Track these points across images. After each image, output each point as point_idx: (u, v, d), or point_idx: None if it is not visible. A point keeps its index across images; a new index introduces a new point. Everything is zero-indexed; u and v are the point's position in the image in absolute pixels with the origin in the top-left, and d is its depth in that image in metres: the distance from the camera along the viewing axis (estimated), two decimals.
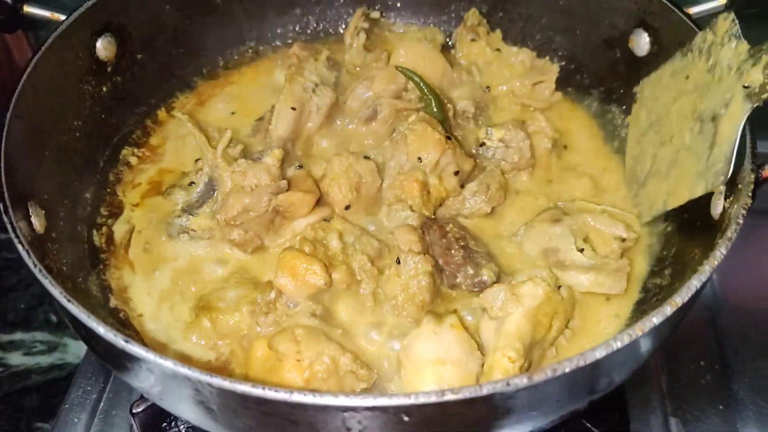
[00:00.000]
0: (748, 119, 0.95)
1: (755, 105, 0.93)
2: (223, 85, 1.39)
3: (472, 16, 1.38)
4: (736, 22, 1.01)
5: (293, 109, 1.18)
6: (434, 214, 1.13)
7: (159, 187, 1.20)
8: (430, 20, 1.47)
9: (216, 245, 1.10)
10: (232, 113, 1.32)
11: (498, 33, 1.38)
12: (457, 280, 1.04)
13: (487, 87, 1.33)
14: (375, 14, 1.43)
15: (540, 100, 1.32)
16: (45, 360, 1.38)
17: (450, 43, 1.42)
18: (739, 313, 1.32)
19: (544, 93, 1.32)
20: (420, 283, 0.99)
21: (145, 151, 1.27)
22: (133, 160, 1.25)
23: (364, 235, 1.07)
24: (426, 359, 0.92)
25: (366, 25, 1.37)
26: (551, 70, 1.32)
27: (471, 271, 1.03)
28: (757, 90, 0.93)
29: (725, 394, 1.22)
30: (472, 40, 1.35)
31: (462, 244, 1.06)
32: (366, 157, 1.13)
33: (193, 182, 1.14)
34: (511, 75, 1.33)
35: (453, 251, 1.05)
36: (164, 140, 1.29)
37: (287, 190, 1.06)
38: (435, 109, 1.21)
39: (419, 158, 1.11)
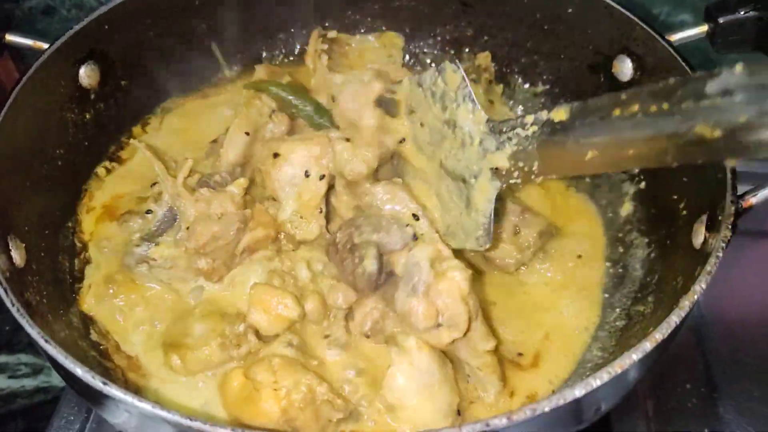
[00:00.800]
0: None
1: (504, 185, 0.94)
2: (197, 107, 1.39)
3: (484, 59, 1.38)
4: (467, 81, 0.99)
5: (247, 134, 1.16)
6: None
7: (113, 213, 1.19)
8: (414, 42, 1.47)
9: (178, 275, 1.08)
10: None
11: (499, 87, 1.38)
12: (360, 286, 1.02)
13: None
14: (332, 33, 1.41)
15: None
16: (30, 383, 1.37)
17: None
18: (726, 335, 1.32)
19: None
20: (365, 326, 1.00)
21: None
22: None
23: None
24: (415, 391, 0.92)
25: (325, 46, 1.35)
26: None
27: (359, 270, 1.00)
28: (504, 173, 0.92)
29: (711, 417, 1.22)
30: (472, 80, 1.33)
31: (348, 246, 1.03)
32: None
33: (151, 210, 1.12)
34: None
35: (344, 262, 1.03)
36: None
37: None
38: (317, 117, 1.20)
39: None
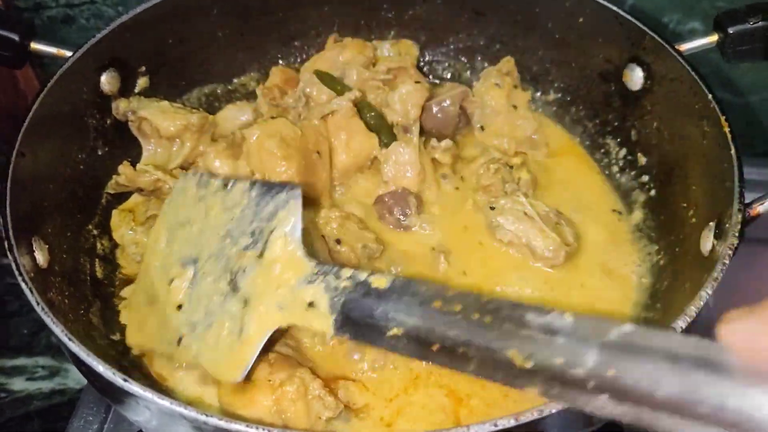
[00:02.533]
0: (737, 153, 0.97)
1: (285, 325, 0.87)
2: None
3: (507, 63, 1.40)
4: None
5: None
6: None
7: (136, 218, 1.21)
8: (428, 51, 1.49)
9: None
10: None
11: (527, 93, 1.39)
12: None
13: (482, 126, 1.35)
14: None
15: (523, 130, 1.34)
16: (47, 385, 1.39)
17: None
18: None
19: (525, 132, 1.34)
20: None
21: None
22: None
23: None
24: None
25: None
26: (541, 148, 1.34)
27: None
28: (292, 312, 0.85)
29: None
30: (496, 84, 1.35)
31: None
32: None
33: None
34: (510, 135, 1.33)
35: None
36: None
37: None
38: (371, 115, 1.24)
39: None
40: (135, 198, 1.23)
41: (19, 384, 1.39)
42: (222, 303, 0.90)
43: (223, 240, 0.95)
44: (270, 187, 0.94)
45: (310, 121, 1.21)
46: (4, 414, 1.35)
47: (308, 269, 0.86)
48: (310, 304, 0.83)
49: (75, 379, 1.40)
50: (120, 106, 1.22)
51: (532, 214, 1.15)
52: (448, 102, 1.30)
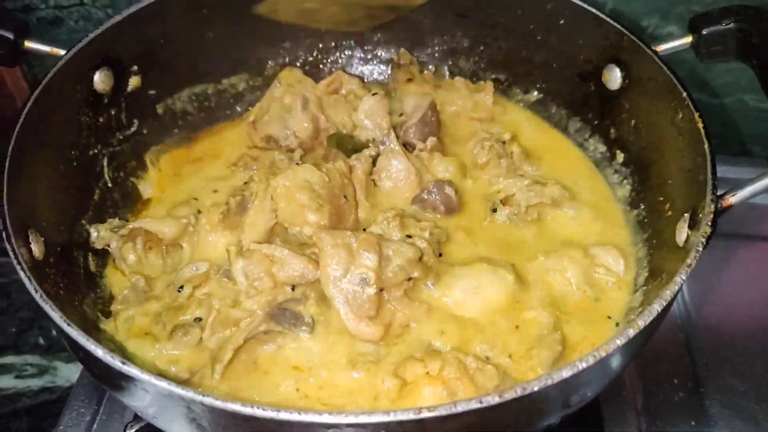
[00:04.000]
0: (710, 147, 1.02)
1: None
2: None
3: (403, 56, 1.46)
4: None
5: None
6: None
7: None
8: (412, 53, 1.52)
9: None
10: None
11: (430, 71, 1.47)
12: None
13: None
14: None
15: (484, 110, 1.41)
16: (35, 383, 1.40)
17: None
18: (712, 333, 1.37)
19: (487, 104, 1.41)
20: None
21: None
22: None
23: None
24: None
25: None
26: (487, 86, 1.42)
27: None
28: None
29: (698, 411, 1.27)
30: (408, 80, 1.42)
31: None
32: None
33: (200, 317, 1.07)
34: (457, 97, 1.42)
35: None
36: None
37: None
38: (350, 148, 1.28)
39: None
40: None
41: (7, 381, 1.40)
42: None
43: None
44: None
45: (335, 164, 1.20)
46: None
47: None
48: None
49: (64, 377, 1.41)
50: (100, 232, 1.17)
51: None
52: (418, 117, 1.33)
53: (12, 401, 1.38)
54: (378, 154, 1.27)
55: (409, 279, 1.07)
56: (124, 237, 1.15)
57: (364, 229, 1.17)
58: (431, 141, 1.30)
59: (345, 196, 1.19)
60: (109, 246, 1.15)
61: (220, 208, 1.15)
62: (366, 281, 1.02)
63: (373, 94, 1.29)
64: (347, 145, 1.30)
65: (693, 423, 1.25)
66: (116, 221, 1.18)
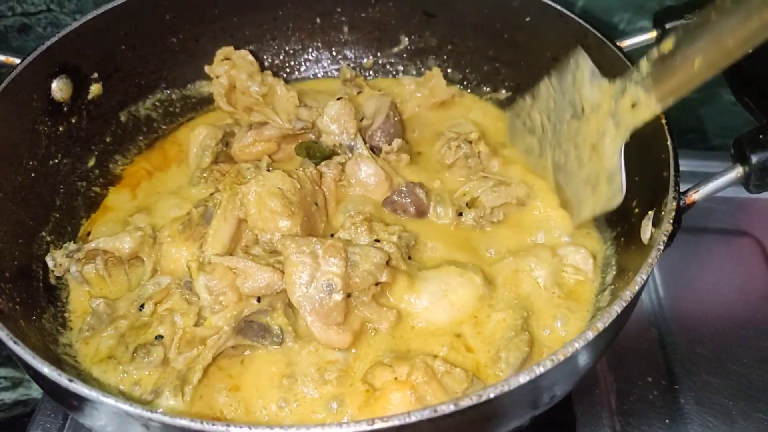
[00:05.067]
0: (673, 144, 1.01)
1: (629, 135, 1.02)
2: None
3: (345, 71, 1.46)
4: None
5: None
6: None
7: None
8: (381, 52, 1.52)
9: None
10: None
11: (376, 79, 1.48)
12: None
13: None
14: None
15: (441, 93, 1.42)
16: (9, 396, 1.38)
17: None
18: (685, 329, 1.36)
19: (441, 86, 1.42)
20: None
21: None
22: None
23: None
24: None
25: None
26: (434, 72, 1.42)
27: None
28: (625, 124, 1.02)
29: (672, 409, 1.26)
30: (359, 93, 1.41)
31: None
32: None
33: (161, 335, 1.04)
34: (408, 93, 1.42)
35: None
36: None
37: None
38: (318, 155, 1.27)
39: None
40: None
41: None
42: (578, 160, 1.14)
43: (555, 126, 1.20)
44: (560, 68, 1.17)
45: (306, 170, 1.19)
46: None
47: (618, 86, 1.04)
48: (633, 105, 1.00)
49: (38, 389, 1.39)
50: (57, 260, 1.13)
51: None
52: (382, 120, 1.32)
53: None
54: (346, 160, 1.25)
55: (377, 284, 1.06)
56: (82, 260, 1.13)
57: (332, 235, 1.15)
58: (397, 143, 1.28)
59: (316, 203, 1.17)
60: (69, 271, 1.13)
61: (181, 220, 1.13)
62: (332, 287, 1.01)
63: (338, 99, 1.27)
64: (315, 152, 1.28)
65: (667, 421, 1.25)
66: (71, 245, 1.14)
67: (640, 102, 0.99)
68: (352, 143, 1.26)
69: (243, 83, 1.34)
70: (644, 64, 0.97)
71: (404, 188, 1.22)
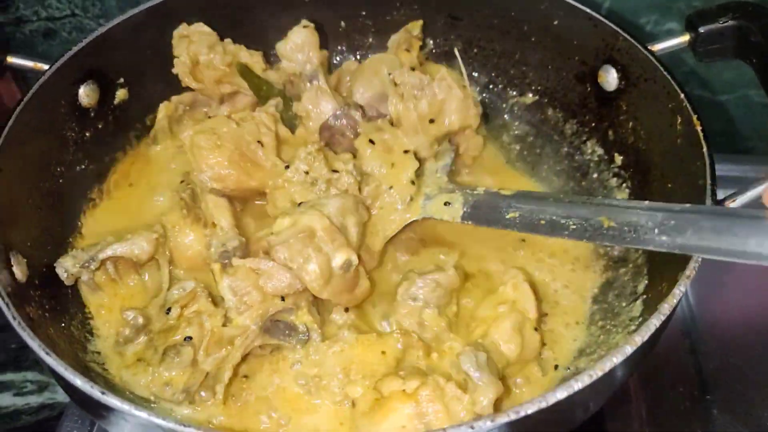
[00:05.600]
0: (709, 151, 0.99)
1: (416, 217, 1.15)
2: None
3: (416, 27, 1.41)
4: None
5: None
6: None
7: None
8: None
9: None
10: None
11: (421, 53, 1.43)
12: None
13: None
14: None
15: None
16: (35, 400, 1.39)
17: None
18: (718, 339, 1.34)
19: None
20: None
21: None
22: None
23: None
24: None
25: None
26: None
27: None
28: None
29: (704, 420, 1.24)
30: (406, 50, 1.37)
31: None
32: None
33: (190, 336, 1.03)
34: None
35: None
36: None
37: None
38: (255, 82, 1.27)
39: None
40: None
41: (7, 399, 1.39)
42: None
43: None
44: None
45: (254, 114, 1.19)
46: None
47: (450, 186, 1.17)
48: (446, 203, 1.12)
49: (63, 393, 1.39)
50: (69, 270, 1.09)
51: None
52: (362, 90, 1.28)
53: (12, 419, 1.37)
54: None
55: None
56: (94, 269, 1.11)
57: (287, 166, 1.15)
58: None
59: (260, 142, 1.16)
60: (81, 279, 1.11)
61: (180, 206, 1.14)
62: (351, 263, 1.02)
63: (305, 27, 1.23)
64: (261, 86, 1.26)
65: (699, 431, 1.22)
66: (80, 253, 1.11)
67: (453, 207, 1.12)
68: (313, 75, 1.23)
69: (206, 56, 1.30)
70: (481, 189, 1.12)
71: (339, 111, 1.19)
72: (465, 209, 1.09)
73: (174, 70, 1.31)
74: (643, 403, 1.25)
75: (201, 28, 1.31)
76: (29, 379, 1.42)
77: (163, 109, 1.31)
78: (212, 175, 1.13)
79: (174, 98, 1.33)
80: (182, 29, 1.31)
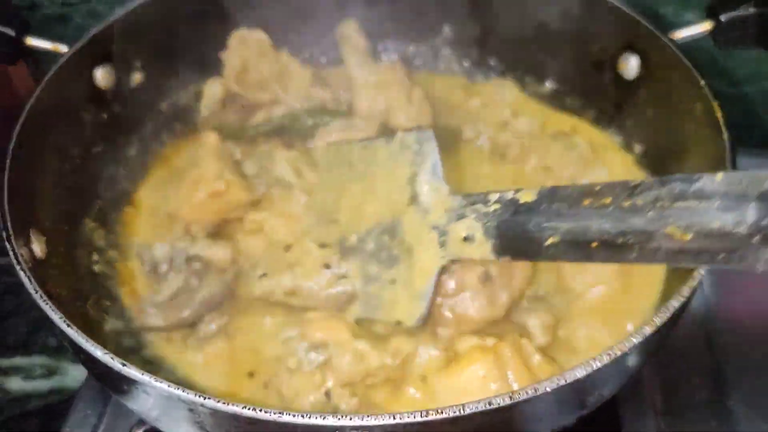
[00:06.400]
0: (730, 139, 0.98)
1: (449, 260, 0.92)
2: None
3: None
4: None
5: None
6: None
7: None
8: (421, 42, 1.51)
9: None
10: None
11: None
12: None
13: None
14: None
15: None
16: (44, 385, 1.40)
17: None
18: (734, 330, 1.33)
19: None
20: None
21: None
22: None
23: None
24: None
25: None
26: None
27: None
28: (454, 247, 0.91)
29: (720, 411, 1.23)
30: None
31: None
32: None
33: None
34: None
35: None
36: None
37: None
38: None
39: None
40: None
41: (16, 383, 1.40)
42: (388, 257, 0.97)
43: (375, 200, 1.02)
44: (402, 137, 1.00)
45: None
46: (2, 413, 1.35)
47: (456, 203, 0.91)
48: (466, 238, 0.89)
49: (73, 378, 1.40)
50: (156, 254, 1.14)
51: None
52: None
53: (21, 403, 1.37)
54: None
55: None
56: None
57: None
58: None
59: None
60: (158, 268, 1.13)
61: None
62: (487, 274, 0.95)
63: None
64: None
65: (715, 424, 1.21)
66: (168, 248, 1.14)
67: (475, 240, 0.89)
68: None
69: (254, 63, 1.32)
70: (494, 201, 0.87)
71: None
72: (492, 241, 0.87)
73: (224, 74, 1.34)
74: (658, 394, 1.24)
75: (258, 34, 1.33)
76: (38, 364, 1.42)
77: (218, 89, 1.33)
78: None
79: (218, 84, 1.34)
80: (241, 33, 1.33)
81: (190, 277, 1.09)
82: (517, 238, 0.83)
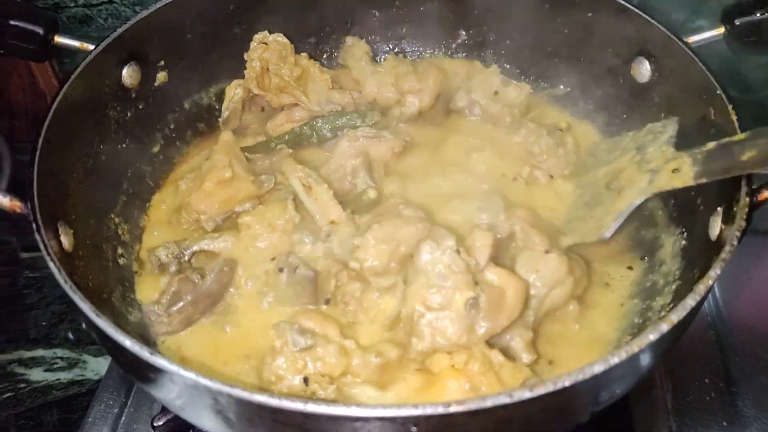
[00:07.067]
0: None
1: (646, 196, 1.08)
2: None
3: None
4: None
5: None
6: None
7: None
8: (437, 46, 1.53)
9: None
10: None
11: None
12: None
13: None
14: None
15: None
16: (65, 376, 1.42)
17: None
18: (744, 331, 1.34)
19: None
20: None
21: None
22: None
23: None
24: None
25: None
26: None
27: None
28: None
29: (729, 411, 1.24)
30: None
31: None
32: None
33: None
34: None
35: None
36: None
37: None
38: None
39: None
40: None
41: (37, 375, 1.42)
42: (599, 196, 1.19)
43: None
44: (651, 127, 1.19)
45: None
46: (23, 404, 1.38)
47: (677, 154, 1.09)
48: (674, 170, 1.05)
49: (93, 370, 1.43)
50: (162, 261, 1.17)
51: None
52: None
53: (43, 394, 1.39)
54: None
55: None
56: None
57: None
58: None
59: None
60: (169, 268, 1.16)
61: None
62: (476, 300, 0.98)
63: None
64: None
65: (725, 424, 1.23)
66: (173, 246, 1.16)
67: (682, 171, 1.04)
68: None
69: (275, 65, 1.34)
70: (711, 145, 1.00)
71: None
72: (695, 168, 1.01)
73: (245, 76, 1.36)
74: (669, 394, 1.26)
75: (279, 38, 1.35)
76: (59, 356, 1.45)
77: (240, 91, 1.36)
78: None
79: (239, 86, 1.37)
80: (262, 36, 1.35)
81: (192, 274, 1.11)
82: (718, 161, 0.98)
